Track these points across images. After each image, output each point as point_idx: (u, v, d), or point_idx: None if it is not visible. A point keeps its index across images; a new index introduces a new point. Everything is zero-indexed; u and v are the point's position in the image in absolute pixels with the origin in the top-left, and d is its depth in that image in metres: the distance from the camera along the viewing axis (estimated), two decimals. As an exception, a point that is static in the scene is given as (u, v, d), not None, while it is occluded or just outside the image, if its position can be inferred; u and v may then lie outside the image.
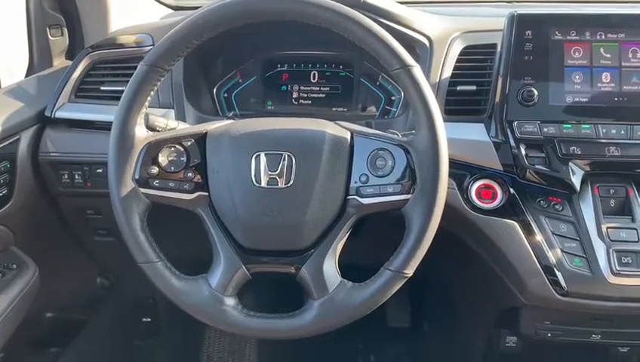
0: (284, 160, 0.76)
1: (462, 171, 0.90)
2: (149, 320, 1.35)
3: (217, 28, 0.76)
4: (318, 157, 0.76)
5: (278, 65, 1.13)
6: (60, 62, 1.17)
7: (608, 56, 0.88)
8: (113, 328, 1.32)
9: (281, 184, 0.75)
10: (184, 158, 0.78)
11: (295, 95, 1.13)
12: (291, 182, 0.75)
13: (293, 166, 0.76)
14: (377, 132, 0.79)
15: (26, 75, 1.16)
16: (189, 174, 0.78)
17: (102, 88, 1.02)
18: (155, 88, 0.77)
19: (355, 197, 0.76)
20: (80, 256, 1.14)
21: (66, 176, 1.01)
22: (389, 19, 0.97)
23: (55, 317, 1.16)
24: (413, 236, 0.73)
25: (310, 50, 1.12)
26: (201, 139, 0.79)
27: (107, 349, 1.29)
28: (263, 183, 0.75)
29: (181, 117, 0.99)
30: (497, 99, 0.90)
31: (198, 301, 0.76)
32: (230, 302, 0.76)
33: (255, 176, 0.75)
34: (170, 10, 1.43)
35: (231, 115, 1.11)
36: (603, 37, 0.89)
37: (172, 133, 0.79)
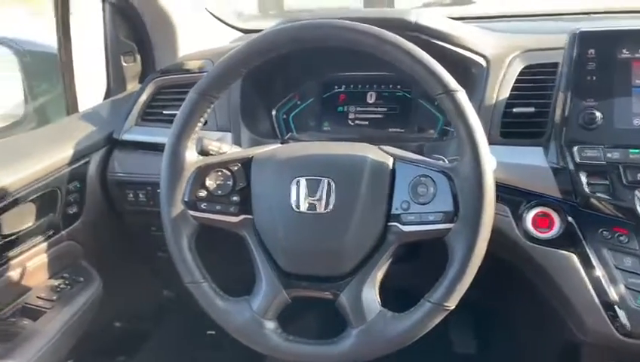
0: (323, 185, 0.76)
1: (517, 198, 0.86)
2: (213, 333, 1.40)
3: (263, 56, 0.77)
4: (358, 182, 0.75)
5: (336, 87, 1.14)
6: (132, 86, 1.24)
7: None
8: (178, 339, 1.38)
9: (320, 209, 0.75)
10: (230, 182, 0.80)
11: (352, 116, 1.13)
12: (330, 208, 0.75)
13: (333, 191, 0.75)
14: (420, 158, 0.77)
15: (104, 99, 1.25)
16: (235, 198, 0.80)
17: (164, 112, 1.08)
18: (206, 115, 0.80)
19: (396, 224, 0.74)
20: (146, 269, 1.20)
21: (132, 195, 1.08)
22: (442, 39, 0.94)
23: (123, 327, 1.23)
24: (455, 268, 0.70)
25: (368, 71, 1.12)
26: (247, 163, 0.81)
27: (171, 359, 1.35)
28: (303, 208, 0.76)
29: (237, 140, 1.03)
30: (557, 121, 0.84)
31: (239, 323, 0.78)
32: (270, 325, 0.77)
33: (295, 201, 0.76)
34: (241, 34, 1.48)
35: (288, 136, 1.13)
36: (676, 54, 0.81)
37: (220, 158, 0.82)
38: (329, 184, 0.76)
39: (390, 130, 1.10)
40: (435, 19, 0.97)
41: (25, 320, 0.90)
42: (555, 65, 0.90)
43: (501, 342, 1.38)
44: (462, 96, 0.71)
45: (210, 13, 1.39)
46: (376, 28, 0.73)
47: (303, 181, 0.76)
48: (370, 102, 1.12)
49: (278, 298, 0.77)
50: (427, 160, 0.77)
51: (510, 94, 0.91)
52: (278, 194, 0.77)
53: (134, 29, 1.22)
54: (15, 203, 0.88)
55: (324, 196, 0.75)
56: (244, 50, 0.78)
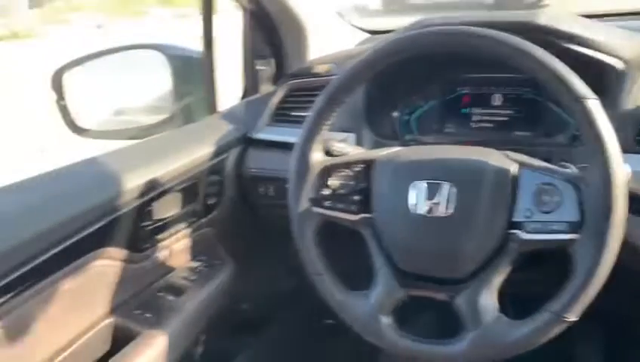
0: (443, 189, 0.77)
1: None
2: (331, 322, 1.47)
3: (388, 62, 0.81)
4: (479, 188, 0.76)
5: (459, 88, 1.13)
6: (265, 88, 1.34)
7: None
8: (298, 325, 1.46)
9: (439, 213, 0.77)
10: (353, 182, 0.85)
11: (475, 118, 1.12)
12: (450, 212, 0.76)
13: (453, 195, 0.77)
14: (546, 165, 0.76)
15: (240, 100, 1.36)
16: (356, 197, 0.84)
17: (293, 114, 1.15)
18: (332, 118, 0.86)
19: (518, 232, 0.74)
20: (273, 258, 1.29)
21: (263, 189, 1.17)
22: (574, 42, 0.91)
23: (249, 309, 1.34)
24: (579, 280, 0.69)
25: (494, 72, 1.10)
26: (369, 165, 0.85)
27: (291, 344, 1.44)
28: (422, 211, 0.78)
29: (359, 141, 1.07)
30: None
31: (357, 315, 0.82)
32: (386, 320, 0.81)
33: (414, 203, 0.78)
34: (368, 35, 1.52)
35: (409, 138, 1.15)
36: None
37: (344, 159, 0.87)
38: (449, 188, 0.77)
39: (516, 133, 1.07)
40: (566, 20, 0.93)
41: (170, 296, 1.02)
42: None
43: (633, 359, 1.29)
44: (594, 103, 0.69)
45: (339, 15, 1.45)
46: (495, 31, 0.73)
47: (423, 184, 0.78)
48: (496, 104, 1.10)
49: (395, 295, 0.80)
50: (553, 167, 0.75)
51: None
52: (397, 195, 0.80)
53: (269, 35, 1.31)
54: (164, 192, 1.00)
55: (444, 200, 0.77)
56: (370, 56, 0.82)
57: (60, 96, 1.27)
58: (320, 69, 1.20)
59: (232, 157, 1.15)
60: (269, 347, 1.39)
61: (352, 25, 1.48)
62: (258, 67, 1.32)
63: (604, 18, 1.22)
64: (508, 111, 1.09)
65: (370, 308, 0.81)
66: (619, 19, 1.22)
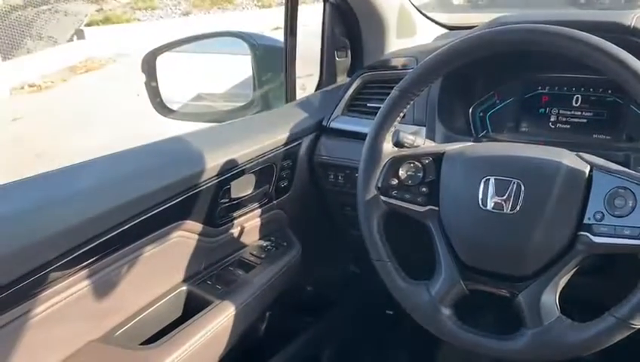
0: (512, 186, 0.78)
1: None
2: (391, 312, 1.50)
3: (463, 59, 0.82)
4: (549, 187, 0.76)
5: (539, 88, 1.12)
6: (342, 79, 1.37)
7: None
8: (358, 311, 1.50)
9: (506, 209, 0.78)
10: (421, 174, 0.87)
11: (553, 119, 1.10)
12: (517, 209, 0.77)
13: (522, 193, 0.77)
14: (620, 168, 0.75)
15: (316, 90, 1.40)
16: (423, 189, 0.86)
17: (368, 105, 1.18)
18: (404, 111, 0.88)
19: (587, 234, 0.74)
20: (338, 243, 1.33)
21: (332, 177, 1.21)
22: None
23: (313, 291, 1.39)
24: None
25: (575, 73, 1.08)
26: (438, 158, 0.86)
27: (349, 329, 1.48)
28: (489, 207, 0.79)
29: (431, 135, 1.08)
30: None
31: (418, 304, 0.84)
32: (446, 311, 0.83)
33: (482, 198, 0.79)
34: (446, 30, 1.52)
35: (482, 135, 1.14)
36: None
37: (414, 151, 0.89)
38: (518, 186, 0.78)
39: (595, 136, 1.05)
40: None
41: (240, 271, 1.08)
42: None
43: None
44: None
45: (418, 10, 1.45)
46: (583, 33, 0.72)
47: (492, 180, 0.79)
48: (576, 105, 1.08)
49: (456, 287, 0.82)
50: (628, 171, 0.74)
51: None
52: (465, 190, 0.81)
53: (348, 26, 1.34)
54: (242, 173, 1.06)
55: (512, 197, 0.78)
56: (445, 53, 0.83)
57: (151, 78, 1.36)
58: (396, 62, 1.22)
59: (305, 144, 1.20)
60: (329, 329, 1.43)
61: (432, 19, 1.48)
62: (337, 58, 1.35)
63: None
64: (588, 113, 1.06)
65: (431, 299, 0.83)
66: None
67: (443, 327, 0.82)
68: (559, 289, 0.75)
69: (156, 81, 1.35)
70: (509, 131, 1.13)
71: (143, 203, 0.88)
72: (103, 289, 0.87)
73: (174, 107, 1.48)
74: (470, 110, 1.16)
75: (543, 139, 1.03)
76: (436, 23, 1.49)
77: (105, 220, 0.84)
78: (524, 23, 0.91)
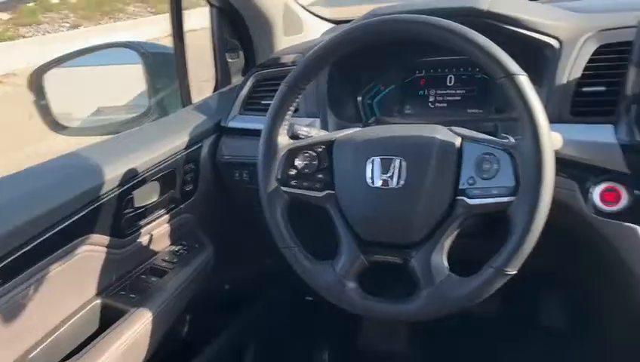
0: (395, 163, 0.85)
1: (585, 174, 0.89)
2: (310, 299, 1.56)
3: (341, 52, 0.89)
4: (427, 160, 0.84)
5: (417, 72, 1.22)
6: (237, 79, 1.40)
7: None
8: (280, 302, 1.55)
9: (392, 185, 0.85)
10: (316, 162, 0.92)
11: (432, 99, 1.20)
12: (402, 183, 0.85)
13: (404, 169, 0.85)
14: (486, 137, 0.84)
15: (213, 92, 1.43)
16: (320, 176, 0.92)
17: (262, 102, 1.23)
18: (295, 104, 0.93)
19: (463, 198, 0.82)
20: (251, 239, 1.37)
21: (237, 175, 1.24)
22: (514, 24, 0.99)
23: (232, 289, 1.42)
24: (516, 236, 0.77)
25: (447, 55, 1.18)
26: (329, 145, 0.92)
27: (273, 321, 1.52)
28: (377, 184, 0.86)
29: (324, 125, 1.14)
30: (627, 99, 0.87)
31: (325, 282, 0.90)
32: (351, 285, 0.89)
33: (371, 177, 0.87)
34: (333, 25, 1.60)
35: (372, 120, 1.22)
36: None
37: (307, 141, 0.94)
38: (400, 162, 0.85)
39: (469, 110, 1.16)
40: (507, 4, 1.02)
41: (153, 278, 1.08)
42: (628, 43, 0.91)
43: (566, 310, 1.40)
44: (523, 79, 0.77)
45: (303, 7, 1.52)
46: (437, 18, 0.81)
47: (377, 160, 0.87)
48: (450, 85, 1.19)
49: (358, 261, 0.88)
50: (492, 138, 0.84)
51: (582, 74, 0.94)
52: (355, 172, 0.88)
53: (237, 29, 1.37)
54: (143, 181, 1.06)
55: (396, 173, 0.85)
56: (323, 48, 0.90)
57: (40, 96, 1.32)
58: (286, 59, 1.27)
59: (206, 146, 1.22)
60: (251, 324, 1.47)
61: (317, 15, 1.55)
62: (228, 60, 1.38)
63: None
64: (461, 91, 1.17)
65: (336, 275, 0.89)
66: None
67: (349, 299, 0.89)
68: (445, 250, 0.84)
69: (46, 99, 1.31)
70: (395, 114, 1.22)
71: (44, 221, 0.88)
72: (11, 312, 0.85)
73: (75, 124, 1.45)
74: (359, 98, 1.24)
75: (426, 119, 1.13)
76: (322, 18, 1.56)
77: (5, 242, 0.83)
78: (395, 13, 1.00)
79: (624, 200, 0.86)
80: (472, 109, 1.15)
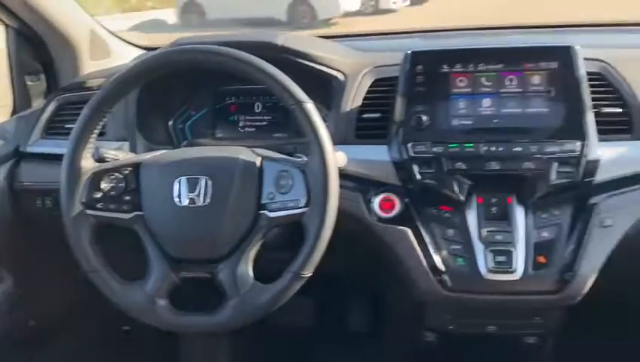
0: (201, 183, 0.91)
1: (367, 187, 1.04)
2: (128, 328, 1.51)
3: (142, 79, 0.93)
4: (231, 179, 0.91)
5: (227, 98, 1.29)
6: (38, 103, 1.34)
7: (489, 84, 1.03)
8: (93, 334, 1.48)
9: (199, 203, 0.90)
10: (122, 184, 0.94)
11: (242, 124, 1.28)
12: (208, 201, 0.90)
13: (209, 187, 0.91)
14: (282, 156, 0.94)
15: (11, 115, 1.34)
16: (127, 197, 0.93)
17: (66, 126, 1.19)
18: (99, 127, 0.94)
19: (265, 211, 0.91)
20: (57, 270, 1.30)
21: (39, 202, 1.18)
22: (306, 59, 1.12)
23: (37, 325, 1.32)
24: (309, 243, 0.87)
25: (254, 84, 1.27)
26: (136, 167, 0.95)
27: (86, 354, 1.45)
28: (185, 203, 0.91)
29: (133, 148, 1.15)
30: (395, 124, 1.04)
31: (135, 302, 0.91)
32: (162, 302, 0.91)
33: (177, 197, 0.91)
34: (143, 51, 1.60)
35: (184, 143, 1.26)
36: (484, 67, 1.03)
37: (113, 164, 0.95)
38: (206, 181, 0.91)
39: (275, 135, 1.26)
40: (300, 40, 1.15)
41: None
42: (396, 78, 1.09)
43: (363, 306, 1.58)
44: (310, 106, 0.89)
45: (112, 33, 1.51)
46: (234, 50, 0.89)
47: (184, 179, 0.91)
48: (257, 111, 1.28)
49: (168, 279, 0.91)
50: (287, 158, 0.94)
51: (362, 103, 1.10)
52: (163, 192, 0.91)
53: (38, 51, 1.32)
54: None
55: (202, 192, 0.91)
56: (127, 72, 0.93)
57: None
58: (92, 83, 1.26)
59: (3, 172, 1.15)
60: (62, 360, 1.38)
61: (127, 41, 1.55)
62: (29, 83, 1.32)
63: (343, 38, 1.49)
64: (267, 117, 1.27)
65: (146, 294, 0.91)
66: (356, 39, 1.50)
67: (160, 317, 0.91)
68: (251, 260, 0.91)
69: None
70: (207, 138, 1.27)
71: None
72: None
73: None
74: (170, 123, 1.27)
75: (236, 143, 1.20)
76: (131, 44, 1.56)
77: None
78: (199, 44, 1.06)
79: (397, 207, 1.02)
80: (277, 133, 1.26)
